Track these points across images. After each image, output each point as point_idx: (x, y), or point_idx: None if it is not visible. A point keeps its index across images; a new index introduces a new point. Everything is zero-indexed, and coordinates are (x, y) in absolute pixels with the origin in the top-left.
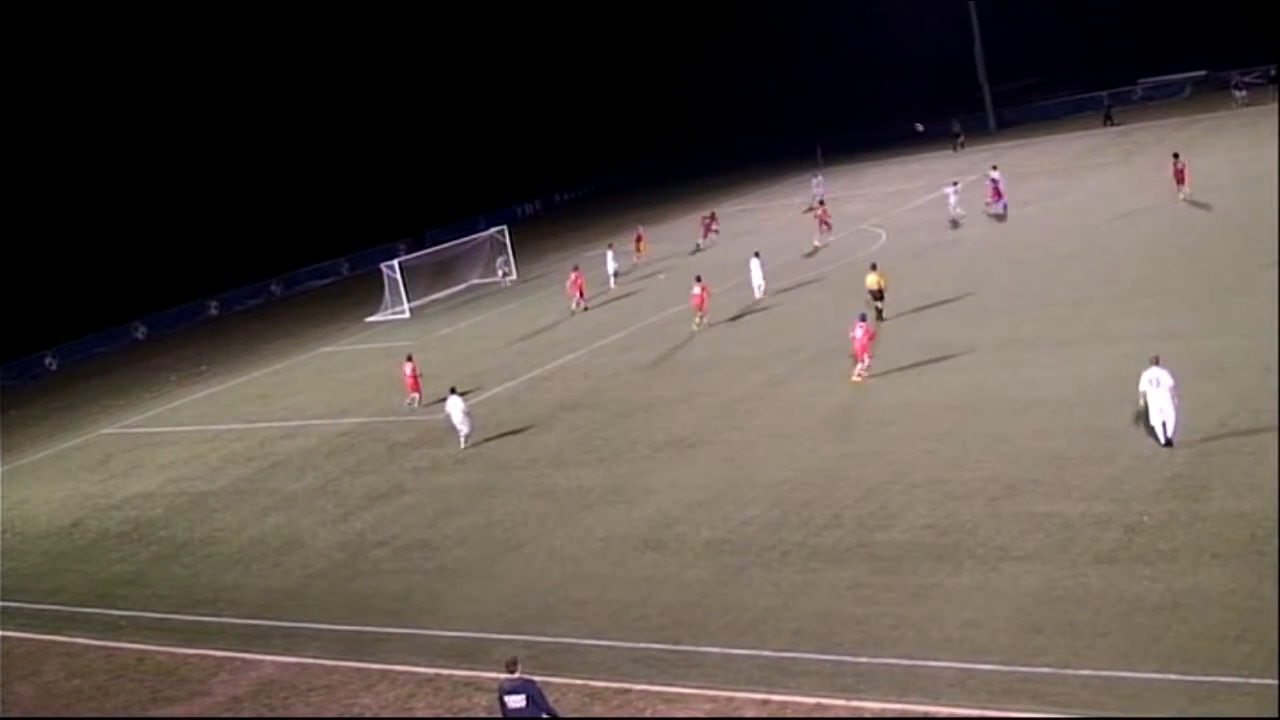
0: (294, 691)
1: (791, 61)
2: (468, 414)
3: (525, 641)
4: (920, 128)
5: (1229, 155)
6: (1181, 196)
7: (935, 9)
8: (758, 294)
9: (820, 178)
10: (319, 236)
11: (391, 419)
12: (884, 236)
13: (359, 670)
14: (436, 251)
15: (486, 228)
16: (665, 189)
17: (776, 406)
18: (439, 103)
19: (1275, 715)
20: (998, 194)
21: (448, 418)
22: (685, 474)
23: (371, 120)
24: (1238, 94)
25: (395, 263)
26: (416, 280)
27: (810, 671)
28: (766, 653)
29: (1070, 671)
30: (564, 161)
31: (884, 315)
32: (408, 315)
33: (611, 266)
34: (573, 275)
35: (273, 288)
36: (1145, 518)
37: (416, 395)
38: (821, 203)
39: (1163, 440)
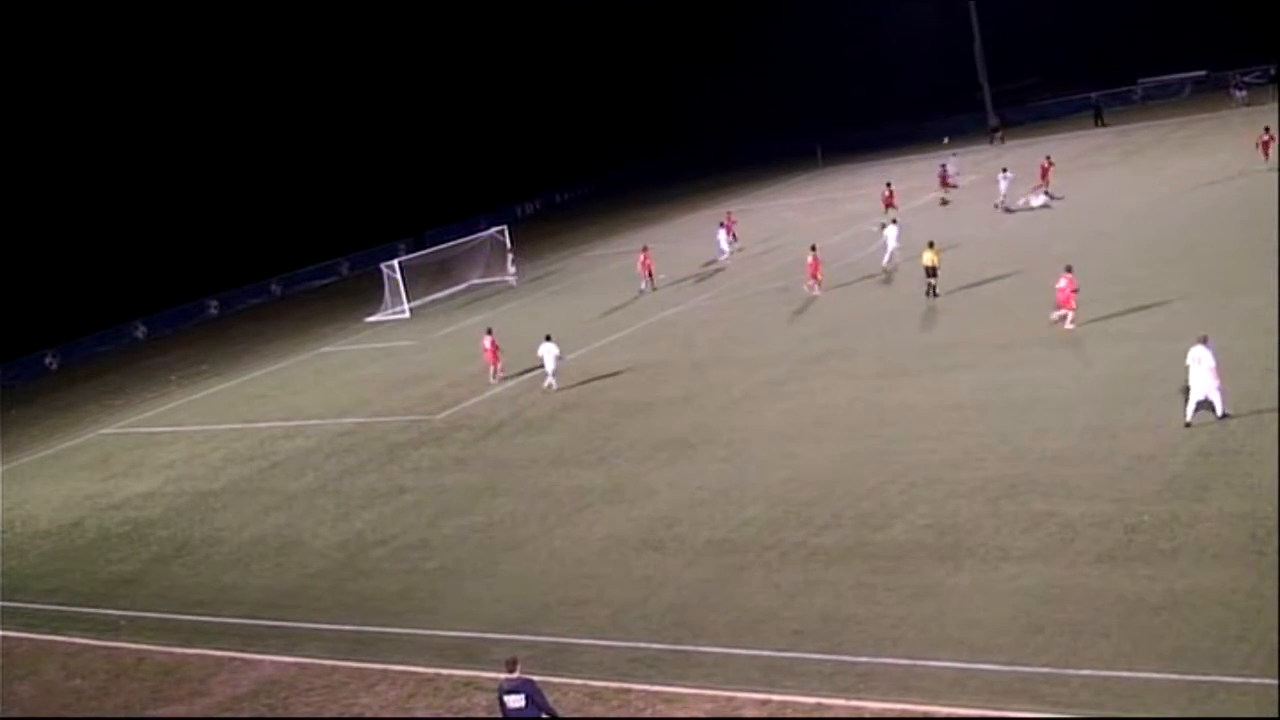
0: (294, 691)
1: (792, 61)
2: (559, 358)
3: (525, 641)
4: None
5: (1235, 154)
6: (1267, 167)
7: (936, 8)
8: (886, 260)
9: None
10: (319, 236)
11: (391, 419)
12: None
13: (359, 670)
14: (436, 251)
15: (487, 227)
16: (667, 188)
17: (777, 406)
18: (439, 103)
19: (1275, 715)
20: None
21: (540, 360)
22: (685, 474)
23: (372, 120)
24: (1237, 94)
25: (395, 262)
26: (417, 280)
27: (810, 671)
28: (767, 652)
29: (1070, 671)
30: (564, 161)
31: (937, 292)
32: (408, 315)
33: (725, 245)
34: (641, 256)
35: (273, 287)
36: (1145, 517)
37: (497, 366)
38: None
39: (1188, 416)
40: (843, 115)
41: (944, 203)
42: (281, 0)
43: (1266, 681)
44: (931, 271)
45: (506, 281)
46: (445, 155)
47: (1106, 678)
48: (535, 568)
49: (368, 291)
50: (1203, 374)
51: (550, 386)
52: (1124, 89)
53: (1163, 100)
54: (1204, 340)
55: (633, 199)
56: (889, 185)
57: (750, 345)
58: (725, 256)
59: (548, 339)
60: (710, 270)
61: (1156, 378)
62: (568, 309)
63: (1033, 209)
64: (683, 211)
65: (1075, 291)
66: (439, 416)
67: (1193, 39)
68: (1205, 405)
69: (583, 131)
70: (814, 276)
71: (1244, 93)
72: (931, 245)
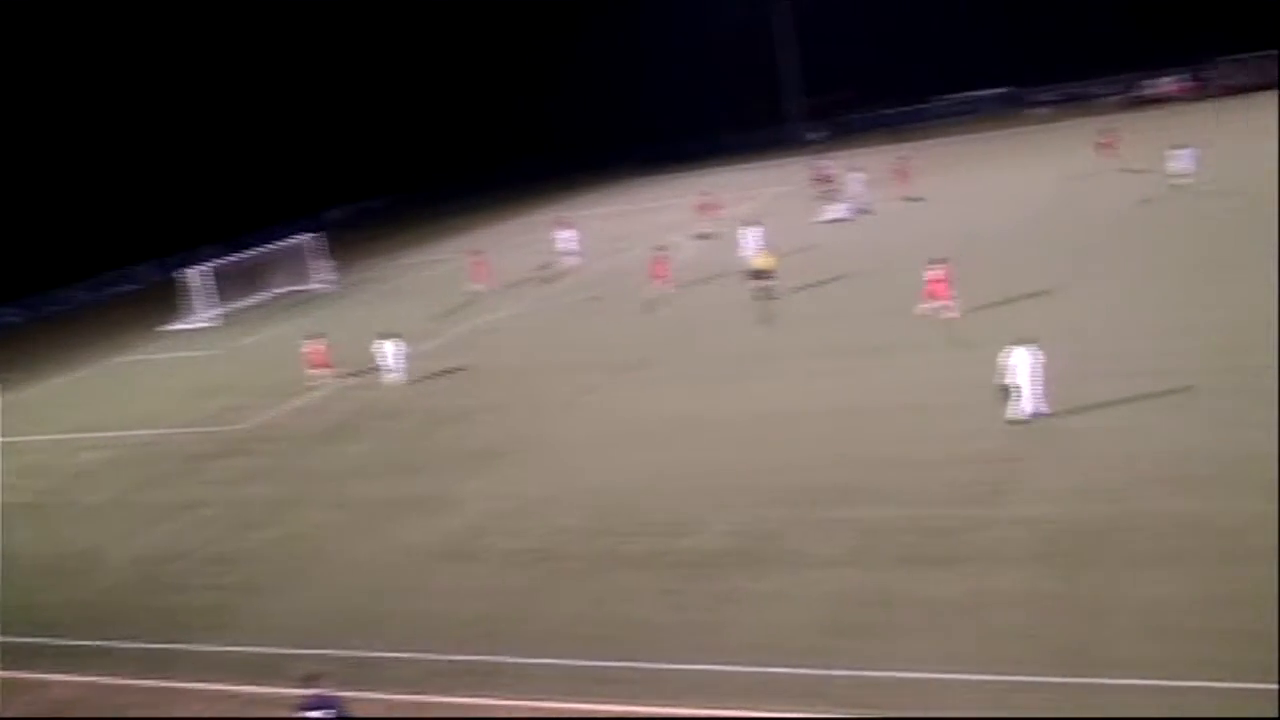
0: (81, 712)
1: (590, 73)
2: (403, 355)
3: (326, 656)
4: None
5: (1050, 163)
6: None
7: (746, 17)
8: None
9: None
10: (123, 240)
11: (191, 430)
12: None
13: (151, 689)
14: (246, 257)
15: (301, 232)
16: (486, 195)
17: (592, 414)
18: (252, 103)
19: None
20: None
21: (378, 361)
22: (497, 483)
23: (180, 120)
24: (1035, 111)
25: (201, 268)
26: (224, 286)
27: (616, 679)
28: (572, 661)
29: (873, 673)
30: (380, 167)
31: (771, 296)
32: (213, 323)
33: (570, 247)
34: (473, 260)
35: (75, 293)
36: (944, 521)
37: (326, 371)
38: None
39: (1011, 414)
40: (653, 126)
41: (827, 203)
42: None
43: (1057, 680)
44: (763, 275)
45: (320, 289)
46: (258, 156)
47: (904, 679)
48: (338, 580)
49: (173, 298)
50: (1024, 374)
51: (395, 380)
52: (928, 104)
53: (964, 117)
54: (1024, 343)
55: (451, 205)
56: (707, 194)
57: (568, 352)
58: (571, 259)
59: (385, 337)
60: (536, 276)
61: (966, 385)
62: (385, 315)
63: (834, 221)
64: (502, 218)
65: (945, 283)
66: (242, 426)
67: (995, 57)
68: (1020, 406)
69: (399, 137)
70: (660, 277)
71: (1043, 109)
72: (766, 250)
